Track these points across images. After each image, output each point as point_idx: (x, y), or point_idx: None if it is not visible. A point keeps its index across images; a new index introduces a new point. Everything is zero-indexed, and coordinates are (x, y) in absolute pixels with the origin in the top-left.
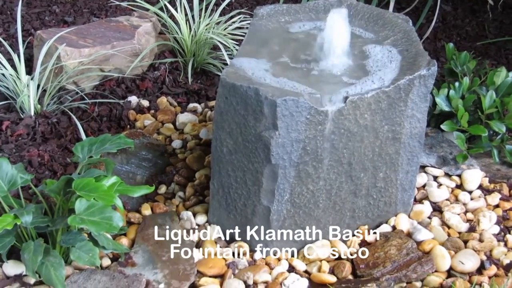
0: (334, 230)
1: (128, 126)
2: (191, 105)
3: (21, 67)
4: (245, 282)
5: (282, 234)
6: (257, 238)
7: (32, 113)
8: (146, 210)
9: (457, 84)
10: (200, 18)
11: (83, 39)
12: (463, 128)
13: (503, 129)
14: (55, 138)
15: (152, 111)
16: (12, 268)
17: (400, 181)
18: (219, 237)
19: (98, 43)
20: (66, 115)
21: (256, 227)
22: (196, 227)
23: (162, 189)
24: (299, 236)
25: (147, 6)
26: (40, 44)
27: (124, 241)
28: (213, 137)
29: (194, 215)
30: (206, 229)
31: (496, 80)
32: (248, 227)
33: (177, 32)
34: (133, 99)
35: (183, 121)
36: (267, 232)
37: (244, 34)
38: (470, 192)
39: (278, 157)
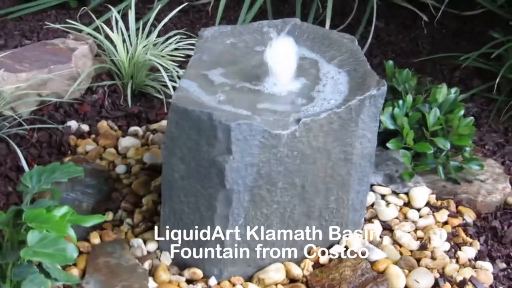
0: (288, 252)
1: (69, 152)
2: (132, 129)
3: None
4: None
5: (235, 259)
6: (211, 264)
7: None
8: (95, 238)
9: (400, 102)
10: (137, 39)
11: (19, 63)
12: (408, 146)
13: (447, 145)
14: None
15: (93, 136)
16: None
17: (352, 201)
18: (172, 264)
19: (35, 67)
20: (3, 142)
21: (210, 252)
22: (146, 254)
23: (109, 216)
24: (253, 260)
25: (82, 27)
26: None
27: (75, 271)
28: (164, 162)
29: (145, 242)
30: (157, 256)
31: (438, 97)
32: (201, 253)
33: (114, 54)
34: (73, 123)
35: (126, 145)
36: (221, 257)
37: (182, 55)
38: (419, 210)
39: (233, 181)
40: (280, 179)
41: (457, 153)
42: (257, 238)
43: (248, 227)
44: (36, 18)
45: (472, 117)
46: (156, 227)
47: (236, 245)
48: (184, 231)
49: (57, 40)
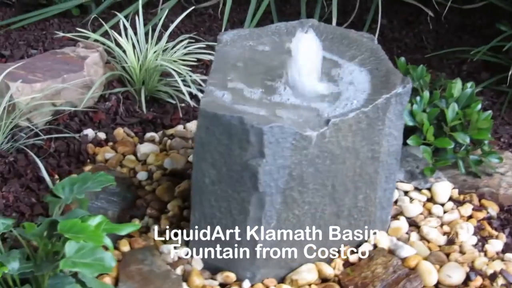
0: (318, 252)
1: (88, 160)
2: (148, 135)
3: None
4: None
5: (268, 260)
6: (243, 267)
7: None
8: (125, 246)
9: (418, 98)
10: (147, 45)
11: (32, 73)
12: (428, 141)
13: (467, 140)
14: (15, 177)
15: (111, 143)
16: None
17: (379, 199)
18: (203, 269)
19: (48, 76)
20: (22, 153)
21: (243, 255)
22: (177, 259)
23: (125, 223)
24: (285, 262)
25: (91, 35)
26: None
27: (108, 280)
28: (194, 168)
29: (174, 247)
30: (188, 261)
31: (454, 92)
32: (234, 256)
33: (125, 61)
34: (89, 132)
35: (145, 151)
36: (254, 260)
37: (194, 59)
38: (442, 205)
39: (266, 184)
40: (311, 180)
41: (476, 147)
42: (289, 240)
43: (280, 229)
44: (39, 27)
45: (490, 111)
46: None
47: (268, 247)
48: (216, 235)
49: (67, 48)
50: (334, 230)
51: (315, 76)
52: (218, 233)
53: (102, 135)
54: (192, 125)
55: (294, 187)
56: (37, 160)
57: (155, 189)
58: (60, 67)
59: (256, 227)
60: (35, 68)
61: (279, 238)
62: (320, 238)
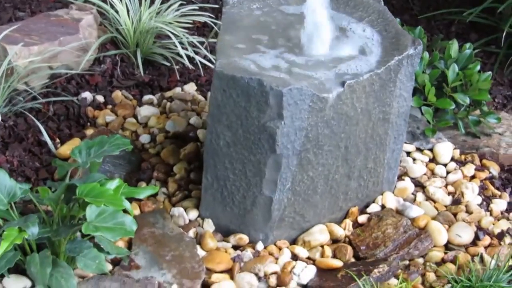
0: (329, 214)
1: (88, 123)
2: (146, 97)
3: None
4: (256, 275)
5: (281, 222)
6: (257, 229)
7: None
8: (135, 210)
9: None
10: (140, 7)
11: (28, 36)
12: (429, 102)
13: (467, 100)
14: (16, 142)
15: (110, 106)
16: (14, 282)
17: (387, 160)
18: (215, 231)
19: (45, 39)
20: (21, 117)
21: (256, 217)
22: (188, 222)
23: (142, 186)
24: (297, 224)
25: None
26: None
27: (121, 244)
28: (208, 130)
29: (185, 210)
30: (199, 224)
31: (451, 53)
32: (247, 218)
33: (119, 23)
34: (87, 95)
35: (145, 114)
36: (267, 221)
37: (189, 21)
38: (445, 165)
39: (283, 146)
40: (326, 142)
41: (475, 108)
42: (302, 201)
43: (294, 190)
44: None
45: (489, 72)
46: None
47: (282, 208)
48: (229, 197)
49: (60, 11)
50: (345, 191)
51: (327, 38)
52: (231, 195)
53: (100, 98)
54: (190, 87)
55: (310, 149)
56: (38, 123)
57: (159, 152)
58: (55, 29)
59: (271, 188)
60: (30, 30)
61: (292, 200)
62: (331, 199)
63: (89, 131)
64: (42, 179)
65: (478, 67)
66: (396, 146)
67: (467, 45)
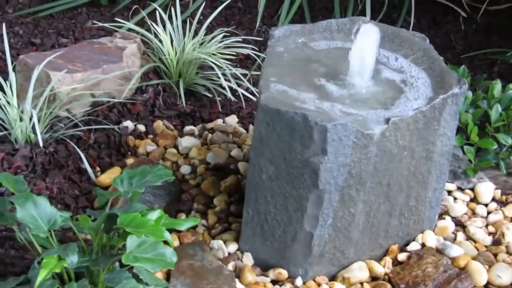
0: (369, 251)
1: (129, 153)
2: (187, 128)
3: (14, 96)
4: None
5: (321, 258)
6: (296, 264)
7: (23, 143)
8: (174, 241)
9: None
10: (184, 37)
11: (71, 63)
12: (471, 142)
13: (509, 141)
14: (56, 168)
15: (151, 136)
16: None
17: (429, 199)
18: (254, 265)
19: (88, 66)
20: (62, 144)
21: (296, 252)
22: (227, 255)
23: (182, 218)
24: (337, 260)
25: (130, 25)
26: (24, 69)
27: (159, 275)
28: (250, 164)
29: (224, 243)
30: (239, 257)
31: (494, 93)
32: (287, 253)
33: (162, 52)
34: (129, 124)
35: (186, 145)
36: (307, 257)
37: (233, 53)
38: (486, 205)
39: (325, 182)
40: (369, 179)
41: None
42: (343, 237)
43: (335, 226)
44: (67, 16)
45: None
46: (233, 228)
47: (323, 244)
48: (269, 232)
49: (104, 38)
50: (385, 228)
51: (373, 74)
52: (271, 229)
53: (141, 128)
54: (231, 119)
55: (352, 185)
56: (79, 151)
57: (199, 184)
58: (99, 57)
59: (313, 224)
60: (73, 57)
61: (333, 236)
62: (372, 236)
63: (130, 160)
64: (82, 207)
65: None
66: (438, 185)
67: (511, 85)
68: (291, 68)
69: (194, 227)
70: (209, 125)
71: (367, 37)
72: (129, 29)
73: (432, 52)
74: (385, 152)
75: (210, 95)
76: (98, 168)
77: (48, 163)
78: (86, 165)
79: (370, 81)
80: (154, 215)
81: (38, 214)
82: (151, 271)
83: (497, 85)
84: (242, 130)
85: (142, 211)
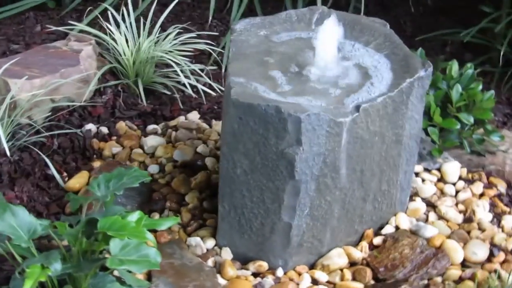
0: (345, 237)
1: (95, 156)
2: (150, 127)
3: None
4: None
5: (300, 248)
6: (276, 255)
7: None
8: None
9: None
10: (139, 36)
11: (28, 69)
12: (435, 123)
13: (471, 120)
14: (23, 177)
15: (115, 138)
16: None
17: (400, 182)
18: (233, 259)
19: (46, 71)
20: (26, 152)
21: (275, 244)
22: (206, 251)
23: (156, 217)
24: (315, 248)
25: (85, 27)
26: None
27: (140, 276)
28: (223, 159)
29: (201, 239)
30: (217, 253)
31: (452, 74)
32: (266, 245)
33: (118, 53)
34: (91, 126)
35: (152, 144)
36: (287, 248)
37: (189, 49)
38: (454, 184)
39: (301, 172)
40: (343, 166)
41: (479, 127)
42: (320, 226)
43: (312, 215)
44: (15, 21)
45: (492, 91)
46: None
47: (301, 234)
48: (247, 225)
49: (58, 42)
50: (360, 214)
51: (338, 62)
52: (249, 222)
53: (104, 130)
54: (193, 116)
55: (327, 173)
56: (44, 157)
57: (169, 182)
58: (55, 61)
59: (290, 215)
60: (29, 63)
61: (311, 225)
62: (348, 222)
63: (96, 164)
64: (54, 213)
65: (481, 87)
66: (408, 167)
67: (468, 65)
68: (256, 62)
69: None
70: (172, 123)
71: (329, 26)
72: (81, 31)
73: (393, 37)
74: (357, 138)
75: (169, 93)
76: (65, 174)
77: (14, 171)
78: (53, 171)
79: (335, 70)
80: (134, 217)
81: (17, 224)
82: (137, 272)
83: (454, 66)
84: (205, 125)
85: (121, 213)
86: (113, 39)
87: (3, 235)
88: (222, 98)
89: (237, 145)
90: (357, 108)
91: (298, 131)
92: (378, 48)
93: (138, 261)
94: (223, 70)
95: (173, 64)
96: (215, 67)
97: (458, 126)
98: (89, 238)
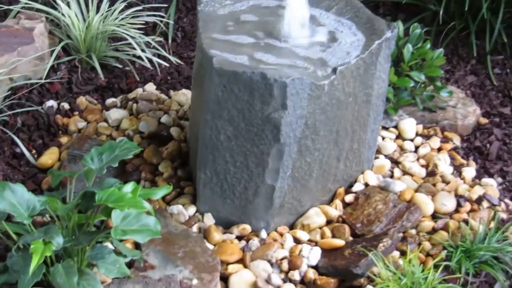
0: (321, 196)
1: (60, 132)
2: (109, 101)
3: None
4: (269, 261)
5: (281, 209)
6: (258, 218)
7: None
8: None
9: None
10: (88, 11)
11: None
12: (390, 82)
13: (422, 78)
14: None
15: (77, 113)
16: None
17: (368, 140)
18: (216, 224)
19: (3, 51)
20: None
21: (258, 206)
22: (188, 218)
23: (158, 187)
24: (294, 209)
25: (36, 5)
26: None
27: (129, 246)
28: (206, 126)
29: (183, 206)
30: (199, 219)
31: (400, 34)
32: (249, 208)
33: (70, 29)
34: (52, 103)
35: (116, 117)
36: (269, 210)
37: (141, 22)
38: (411, 140)
39: (286, 135)
40: (322, 127)
41: (429, 84)
42: (300, 186)
43: (293, 177)
44: None
45: (441, 49)
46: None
47: (283, 195)
48: (229, 190)
49: (9, 21)
50: (334, 173)
51: (307, 27)
52: (231, 187)
53: (66, 105)
54: (150, 87)
55: (308, 135)
56: (12, 135)
57: (139, 153)
58: (9, 40)
59: (274, 177)
60: None
61: (292, 186)
62: (323, 182)
63: (63, 139)
64: (31, 190)
65: (429, 45)
66: (375, 126)
67: (415, 24)
68: (228, 30)
69: None
70: (131, 95)
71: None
72: (29, 8)
73: (353, 1)
74: (334, 100)
75: (120, 66)
76: (34, 151)
77: None
78: (23, 148)
79: (304, 35)
80: (128, 187)
81: (17, 201)
82: (141, 241)
83: (400, 26)
84: (164, 96)
85: (117, 185)
86: (63, 15)
87: (2, 213)
88: (173, 69)
89: (221, 113)
90: (334, 70)
91: (284, 95)
92: (341, 12)
93: (140, 230)
94: (169, 41)
95: (128, 37)
96: (161, 39)
97: (412, 84)
98: (86, 212)
